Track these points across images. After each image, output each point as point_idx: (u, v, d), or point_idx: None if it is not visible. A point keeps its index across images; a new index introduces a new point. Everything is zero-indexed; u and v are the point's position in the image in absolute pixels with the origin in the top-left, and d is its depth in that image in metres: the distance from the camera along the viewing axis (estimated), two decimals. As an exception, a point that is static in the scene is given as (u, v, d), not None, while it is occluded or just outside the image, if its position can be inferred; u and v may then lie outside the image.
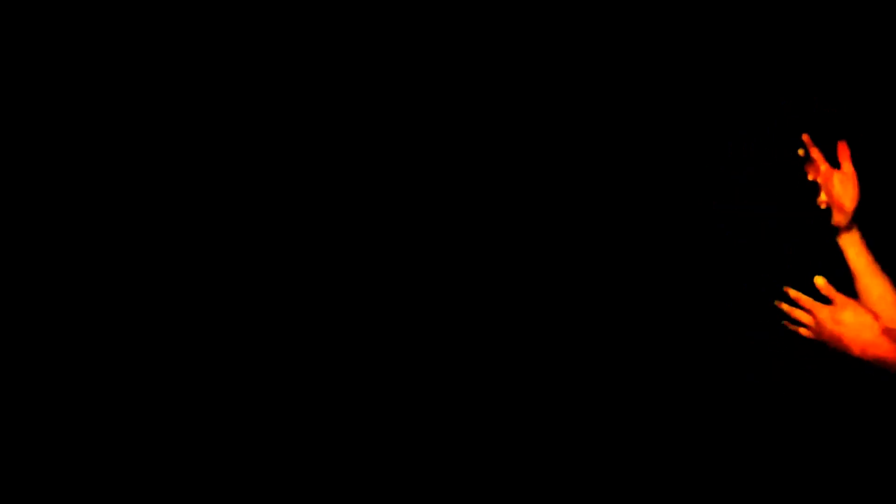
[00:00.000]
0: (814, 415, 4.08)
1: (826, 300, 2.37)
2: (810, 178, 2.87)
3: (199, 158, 4.24)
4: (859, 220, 2.83)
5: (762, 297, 4.06)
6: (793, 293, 2.41)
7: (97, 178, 4.20)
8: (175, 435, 4.18)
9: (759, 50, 4.22)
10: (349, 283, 4.27)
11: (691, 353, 4.20)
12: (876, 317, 2.34)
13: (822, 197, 2.85)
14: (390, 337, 4.26)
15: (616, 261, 4.25)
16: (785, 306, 2.43)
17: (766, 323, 3.97)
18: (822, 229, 2.86)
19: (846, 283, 2.71)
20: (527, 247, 4.26)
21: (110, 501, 4.12)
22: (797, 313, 2.41)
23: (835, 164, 2.87)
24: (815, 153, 2.87)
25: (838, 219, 2.83)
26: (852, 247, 2.80)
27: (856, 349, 2.33)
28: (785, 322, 2.46)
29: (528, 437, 4.22)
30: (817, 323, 2.37)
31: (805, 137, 2.86)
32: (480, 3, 4.26)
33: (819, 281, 2.35)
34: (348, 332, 4.26)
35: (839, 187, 2.82)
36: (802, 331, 2.42)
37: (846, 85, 4.15)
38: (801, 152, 2.87)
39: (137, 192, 4.22)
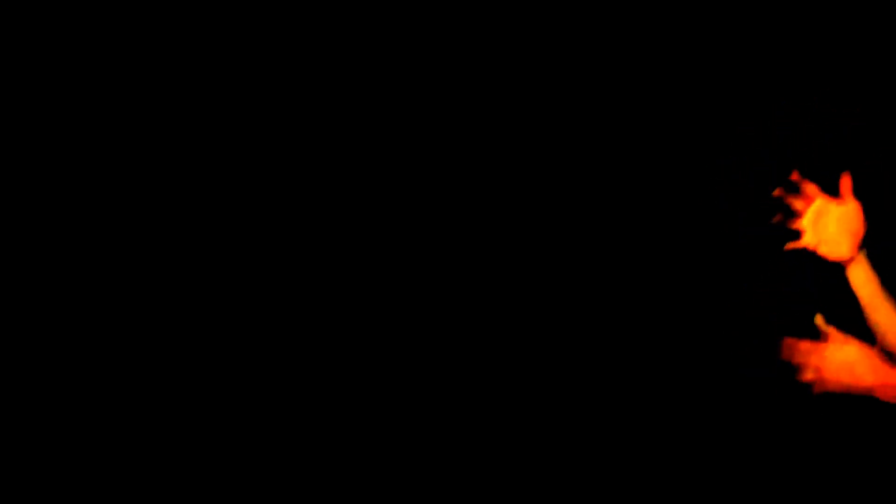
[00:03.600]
0: (813, 417, 4.08)
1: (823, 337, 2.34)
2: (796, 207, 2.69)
3: (199, 158, 4.24)
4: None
5: (763, 301, 4.06)
6: (788, 342, 2.36)
7: (97, 177, 4.20)
8: (175, 435, 4.19)
9: (758, 50, 4.21)
10: (349, 284, 4.27)
11: (692, 355, 4.21)
12: (870, 349, 2.31)
13: (806, 239, 2.66)
14: (390, 337, 4.26)
15: (621, 262, 4.25)
16: (789, 357, 2.38)
17: (766, 331, 3.97)
18: (828, 264, 2.72)
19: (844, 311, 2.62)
20: (530, 247, 4.26)
21: (110, 501, 4.13)
22: (799, 359, 2.37)
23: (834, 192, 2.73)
24: (810, 187, 2.70)
25: (846, 253, 2.66)
26: (859, 276, 2.64)
27: (868, 378, 2.29)
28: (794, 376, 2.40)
29: (528, 437, 4.23)
30: (821, 360, 2.33)
31: (794, 176, 2.70)
32: (481, 3, 4.25)
33: (818, 320, 2.33)
34: (348, 332, 4.26)
35: (838, 225, 2.65)
36: (807, 376, 2.36)
37: (846, 85, 4.14)
38: (793, 176, 2.73)
39: (137, 192, 4.22)
